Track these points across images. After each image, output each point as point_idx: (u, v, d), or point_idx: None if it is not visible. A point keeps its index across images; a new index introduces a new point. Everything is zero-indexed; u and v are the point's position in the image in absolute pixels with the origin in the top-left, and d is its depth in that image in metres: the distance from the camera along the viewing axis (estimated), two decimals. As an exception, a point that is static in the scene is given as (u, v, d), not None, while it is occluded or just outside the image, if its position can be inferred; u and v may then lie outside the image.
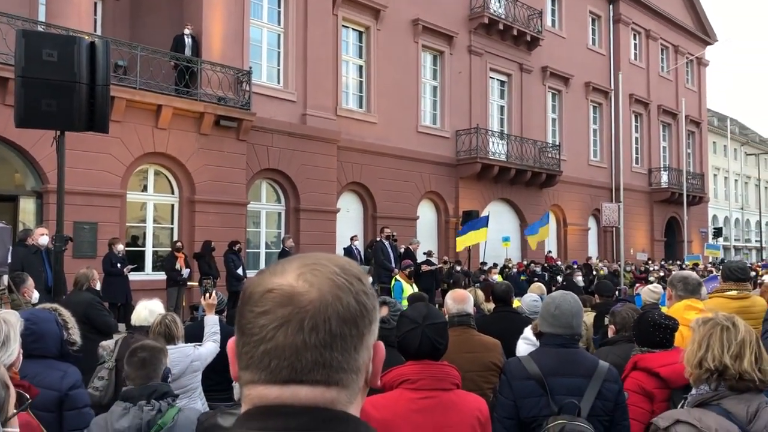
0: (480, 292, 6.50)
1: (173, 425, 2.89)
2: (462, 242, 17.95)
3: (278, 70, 16.97)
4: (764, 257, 41.72)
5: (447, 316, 4.05)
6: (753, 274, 20.66)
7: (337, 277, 0.94)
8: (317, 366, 0.91)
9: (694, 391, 2.40)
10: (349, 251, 15.66)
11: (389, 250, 15.24)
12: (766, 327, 4.07)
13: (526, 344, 4.09)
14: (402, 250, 15.59)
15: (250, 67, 15.42)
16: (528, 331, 4.18)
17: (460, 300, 4.02)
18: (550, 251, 24.04)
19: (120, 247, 11.69)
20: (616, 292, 12.08)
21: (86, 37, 5.90)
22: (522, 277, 18.05)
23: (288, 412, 0.90)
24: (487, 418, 2.53)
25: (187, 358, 4.41)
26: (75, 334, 3.49)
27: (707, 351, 2.32)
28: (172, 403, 2.98)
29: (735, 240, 49.25)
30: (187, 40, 14.42)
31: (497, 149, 22.24)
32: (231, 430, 0.92)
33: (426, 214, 20.96)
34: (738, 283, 4.95)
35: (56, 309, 3.53)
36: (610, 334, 4.58)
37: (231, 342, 0.98)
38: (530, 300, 5.94)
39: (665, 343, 3.52)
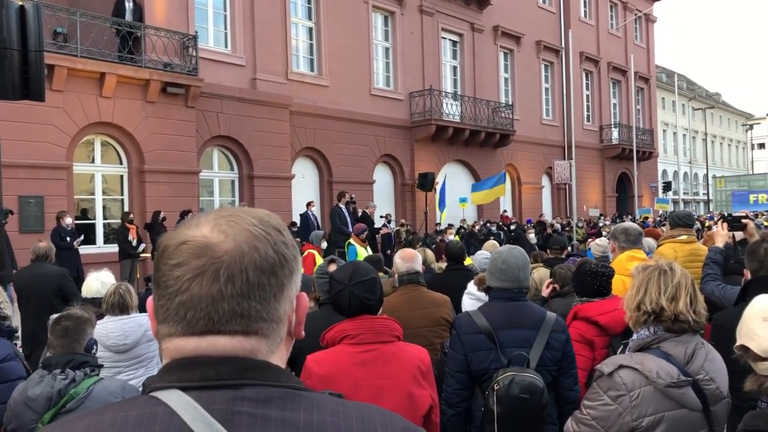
0: (429, 252, 6.56)
1: (86, 395, 2.84)
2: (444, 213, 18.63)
3: (225, 33, 16.56)
4: (711, 209, 43.05)
5: (397, 275, 4.09)
6: (699, 225, 21.36)
7: (254, 227, 0.93)
8: (235, 316, 0.90)
9: (635, 336, 2.46)
10: (305, 217, 15.58)
11: (346, 214, 15.20)
12: (707, 271, 4.22)
13: (470, 299, 4.15)
14: (359, 215, 15.60)
15: (196, 32, 15.01)
16: (471, 286, 4.24)
17: (408, 258, 4.05)
18: (505, 210, 24.36)
19: (68, 221, 11.40)
20: (569, 248, 12.34)
21: (17, 1, 5.63)
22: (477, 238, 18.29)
23: (206, 363, 0.89)
24: (429, 367, 2.59)
25: (141, 328, 4.37)
26: (7, 308, 3.40)
27: (645, 294, 2.39)
28: (90, 373, 2.92)
29: (684, 194, 50.65)
30: (128, 5, 13.94)
31: (451, 110, 22.26)
32: (149, 386, 0.91)
33: (382, 178, 20.95)
34: (686, 229, 5.18)
35: None
36: (545, 291, 4.63)
37: (150, 298, 0.96)
38: (481, 258, 6.00)
39: (603, 290, 3.63)
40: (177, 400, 0.86)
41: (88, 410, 0.97)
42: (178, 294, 0.90)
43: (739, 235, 4.59)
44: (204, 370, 0.88)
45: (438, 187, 19.25)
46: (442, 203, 19.02)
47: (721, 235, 4.50)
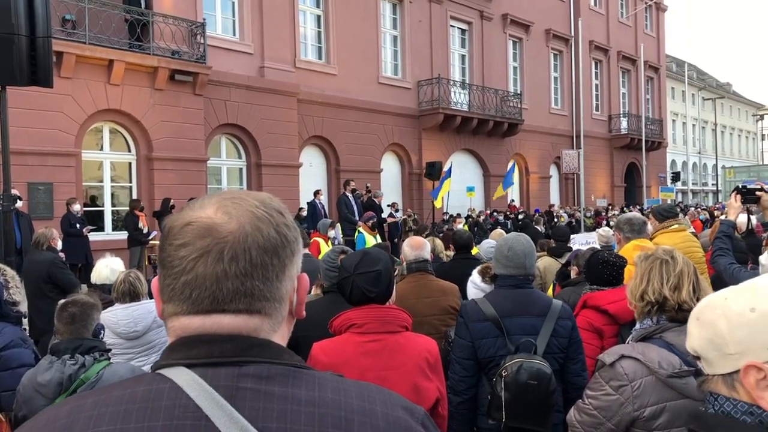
0: (438, 241, 6.55)
1: (97, 380, 2.84)
2: (440, 200, 18.50)
3: (233, 21, 16.54)
4: (720, 200, 42.80)
5: (405, 263, 4.09)
6: (708, 215, 21.15)
7: (257, 209, 0.95)
8: (239, 295, 0.92)
9: (638, 326, 2.46)
10: (313, 206, 15.60)
11: (353, 203, 15.21)
12: (718, 245, 4.03)
13: (474, 288, 4.15)
14: (366, 201, 15.60)
15: (204, 19, 15.00)
16: (475, 275, 4.24)
17: (417, 246, 4.05)
18: (512, 200, 24.31)
19: (77, 207, 11.45)
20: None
21: (25, -12, 5.63)
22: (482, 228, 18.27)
23: (211, 340, 0.91)
24: (437, 359, 2.55)
25: (151, 314, 4.37)
26: (16, 294, 3.40)
27: (648, 284, 2.38)
28: (100, 358, 2.93)
29: (693, 184, 50.40)
30: (137, -8, 13.93)
31: (459, 99, 22.18)
32: (156, 364, 0.93)
33: (390, 167, 20.93)
34: (674, 219, 5.26)
35: None
36: (573, 275, 4.70)
37: (155, 279, 0.98)
38: (487, 246, 6.01)
39: (613, 280, 3.61)
40: (183, 376, 0.88)
41: (97, 388, 0.99)
42: (183, 273, 0.91)
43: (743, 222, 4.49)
44: (209, 347, 0.90)
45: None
46: (436, 191, 18.77)
47: (734, 208, 4.26)
